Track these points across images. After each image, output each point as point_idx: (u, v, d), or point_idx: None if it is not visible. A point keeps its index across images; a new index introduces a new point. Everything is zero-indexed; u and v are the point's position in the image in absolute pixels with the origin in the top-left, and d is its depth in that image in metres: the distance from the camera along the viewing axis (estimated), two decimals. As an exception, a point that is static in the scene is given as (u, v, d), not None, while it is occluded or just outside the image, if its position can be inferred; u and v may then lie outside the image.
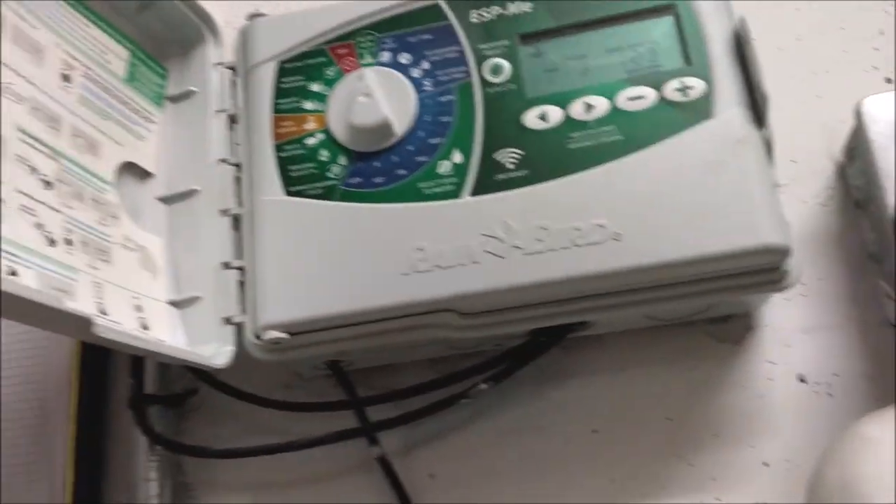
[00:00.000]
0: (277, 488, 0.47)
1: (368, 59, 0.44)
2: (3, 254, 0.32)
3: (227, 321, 0.42)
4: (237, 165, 0.45)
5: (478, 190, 0.41)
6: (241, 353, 0.42)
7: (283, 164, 0.43)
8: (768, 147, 0.39)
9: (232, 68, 0.47)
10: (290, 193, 0.43)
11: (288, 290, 0.41)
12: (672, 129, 0.39)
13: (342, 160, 0.43)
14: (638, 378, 0.45)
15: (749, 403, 0.44)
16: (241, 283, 0.43)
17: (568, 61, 0.42)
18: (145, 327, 0.40)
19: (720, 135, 0.39)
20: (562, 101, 0.41)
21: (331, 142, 0.43)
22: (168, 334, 0.42)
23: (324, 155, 0.43)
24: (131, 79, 0.45)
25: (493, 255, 0.39)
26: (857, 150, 0.44)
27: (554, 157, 0.40)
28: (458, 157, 0.41)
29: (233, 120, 0.47)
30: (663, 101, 0.40)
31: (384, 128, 0.42)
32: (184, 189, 0.45)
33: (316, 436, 0.45)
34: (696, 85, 0.40)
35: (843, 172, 0.47)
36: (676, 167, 0.39)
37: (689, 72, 0.40)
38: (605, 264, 0.38)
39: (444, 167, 0.41)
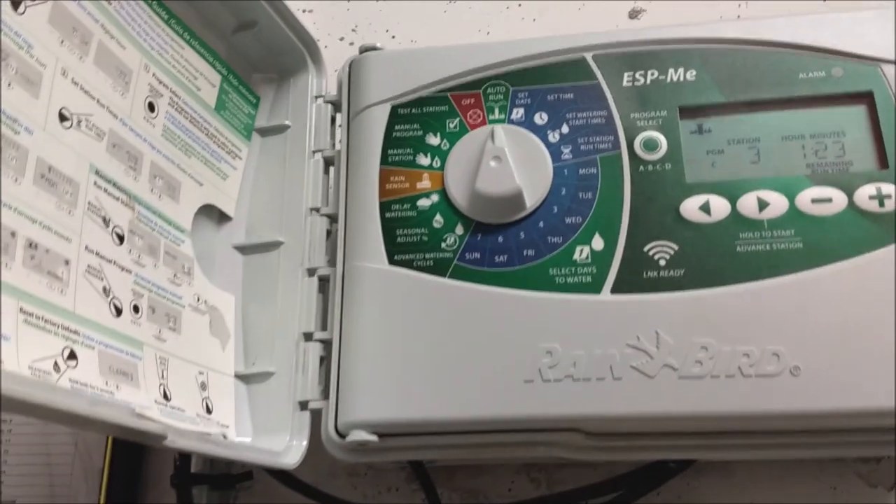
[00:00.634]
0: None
1: (498, 115, 0.38)
2: (64, 331, 0.26)
3: (303, 406, 0.36)
4: (331, 218, 0.39)
5: (621, 287, 0.34)
6: (312, 437, 0.36)
7: (389, 226, 0.37)
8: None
9: (334, 104, 0.41)
10: (393, 262, 0.36)
11: (383, 382, 0.34)
12: (864, 245, 0.33)
13: (459, 229, 0.36)
14: (769, 517, 0.39)
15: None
16: (324, 360, 0.37)
17: (737, 145, 0.36)
18: (209, 409, 0.34)
19: (927, 261, 0.32)
20: (730, 192, 0.35)
21: (447, 206, 0.37)
22: (232, 417, 0.35)
23: (438, 221, 0.37)
24: (221, 107, 0.39)
25: (640, 372, 0.32)
26: None
27: (718, 259, 0.34)
28: (598, 242, 0.35)
29: (329, 163, 0.41)
30: (853, 209, 0.33)
31: (515, 199, 0.36)
32: (266, 239, 0.39)
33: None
34: (895, 195, 0.33)
35: None
36: (869, 293, 0.32)
37: (885, 177, 0.34)
38: (779, 403, 0.31)
39: (582, 253, 0.35)
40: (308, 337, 0.37)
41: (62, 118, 0.29)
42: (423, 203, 0.37)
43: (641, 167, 0.36)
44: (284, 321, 0.37)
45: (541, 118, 0.38)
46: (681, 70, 0.37)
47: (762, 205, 0.34)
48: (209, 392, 0.35)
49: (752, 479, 0.39)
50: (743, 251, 0.34)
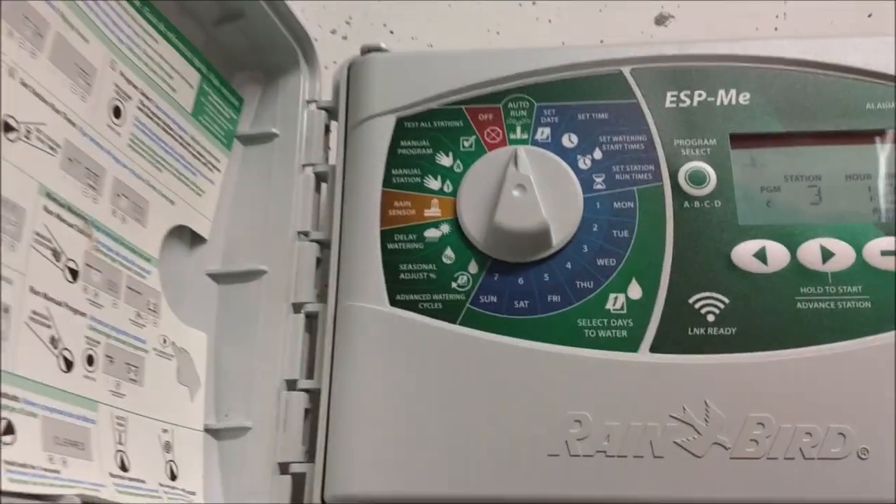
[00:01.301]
0: None
1: (520, 134, 0.33)
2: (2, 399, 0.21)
3: (284, 469, 0.31)
4: (322, 244, 0.34)
5: (663, 345, 0.29)
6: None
7: (391, 260, 0.32)
8: None
9: (329, 111, 0.36)
10: (395, 303, 0.31)
11: (380, 447, 0.29)
12: (946, 307, 0.29)
13: (473, 267, 0.31)
14: None
15: None
16: (309, 414, 0.32)
17: (795, 182, 0.31)
18: (173, 475, 0.29)
19: None
20: (788, 237, 0.30)
21: (460, 239, 0.32)
22: (200, 482, 0.30)
23: (448, 256, 0.32)
24: (199, 112, 0.33)
25: (685, 450, 0.28)
26: None
27: (776, 317, 0.29)
28: (636, 290, 0.30)
29: (322, 180, 0.35)
30: (932, 263, 0.29)
31: (540, 235, 0.31)
32: (246, 267, 0.33)
33: None
34: (983, 249, 0.29)
35: None
36: (951, 363, 0.28)
37: (968, 227, 0.30)
38: (844, 492, 0.27)
39: (616, 302, 0.30)
40: (291, 385, 0.32)
41: (7, 129, 0.23)
42: (432, 234, 0.32)
43: (687, 203, 0.31)
44: (264, 366, 0.32)
45: (570, 140, 0.33)
46: (732, 92, 0.32)
47: (826, 255, 0.30)
48: (174, 453, 0.29)
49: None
50: (805, 308, 0.29)
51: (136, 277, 0.29)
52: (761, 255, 0.30)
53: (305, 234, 0.34)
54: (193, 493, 0.29)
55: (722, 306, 0.30)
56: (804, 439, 0.27)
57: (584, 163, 0.32)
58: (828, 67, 0.32)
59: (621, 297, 0.30)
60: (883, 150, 0.31)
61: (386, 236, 0.32)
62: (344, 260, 0.32)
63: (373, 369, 0.30)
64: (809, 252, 0.30)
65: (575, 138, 0.33)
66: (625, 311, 0.30)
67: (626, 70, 0.33)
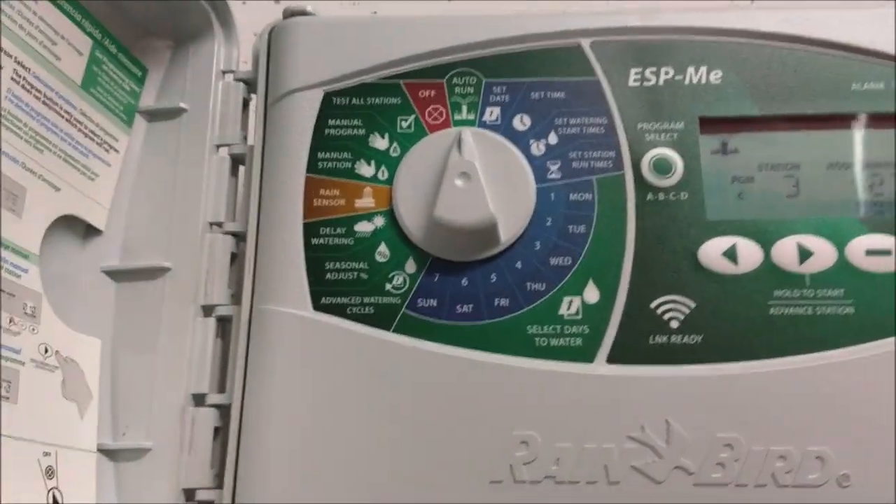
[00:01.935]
0: None
1: (466, 114, 0.29)
2: None
3: (189, 496, 0.27)
4: (238, 237, 0.30)
5: (621, 355, 0.26)
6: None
7: (315, 257, 0.28)
8: None
9: (248, 83, 0.32)
10: (319, 307, 0.27)
11: (299, 469, 0.25)
12: (934, 314, 0.26)
13: (410, 266, 0.27)
14: None
15: None
16: (219, 433, 0.28)
17: (771, 171, 0.28)
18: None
19: None
20: (762, 234, 0.27)
21: (396, 234, 0.28)
22: (92, 514, 0.26)
23: (382, 253, 0.28)
24: (90, 83, 0.28)
25: (644, 474, 0.25)
26: None
27: (747, 324, 0.26)
28: (592, 293, 0.27)
29: (239, 162, 0.31)
30: (919, 265, 0.26)
31: (486, 231, 0.27)
32: (148, 263, 0.29)
33: None
34: (975, 249, 0.26)
35: None
36: (939, 377, 0.25)
37: (958, 223, 0.27)
38: (823, 523, 0.24)
39: (571, 307, 0.27)
40: (199, 401, 0.28)
41: None
42: (364, 228, 0.28)
43: (650, 195, 0.28)
44: (168, 377, 0.28)
45: (522, 122, 0.29)
46: (703, 70, 0.29)
47: (804, 254, 0.27)
48: (59, 480, 0.25)
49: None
50: (779, 314, 0.26)
51: (9, 277, 0.24)
52: (731, 254, 0.27)
53: (218, 225, 0.29)
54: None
55: (687, 311, 0.26)
56: (777, 463, 0.24)
57: (538, 148, 0.28)
58: (809, 42, 0.29)
59: (576, 301, 0.27)
60: (870, 136, 0.28)
61: (310, 230, 0.28)
62: (261, 256, 0.28)
63: (292, 383, 0.26)
64: (785, 251, 0.27)
65: (528, 120, 0.29)
66: (580, 317, 0.27)
67: (585, 43, 0.29)
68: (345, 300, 0.27)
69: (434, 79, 0.29)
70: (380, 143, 0.29)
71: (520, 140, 0.28)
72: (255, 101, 0.30)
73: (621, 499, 0.24)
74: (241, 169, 0.31)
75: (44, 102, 0.26)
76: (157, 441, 0.27)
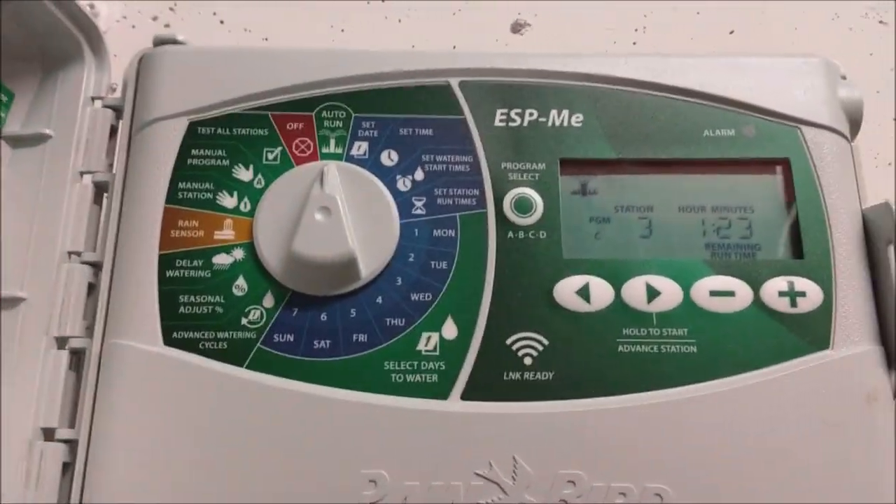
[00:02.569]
0: None
1: (334, 148, 0.29)
2: None
3: (32, 538, 0.26)
4: (96, 267, 0.29)
5: (475, 391, 0.26)
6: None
7: (169, 290, 0.27)
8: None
9: (116, 110, 0.31)
10: (171, 342, 0.26)
11: (143, 500, 0.25)
12: (771, 355, 0.27)
13: (268, 300, 0.27)
14: None
15: None
16: (68, 469, 0.27)
17: (626, 213, 0.29)
18: None
19: (841, 382, 0.26)
20: (614, 273, 0.28)
21: (255, 268, 0.28)
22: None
23: (240, 287, 0.27)
24: (-62, 104, 0.28)
25: (490, 513, 0.25)
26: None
27: (595, 360, 0.27)
28: (451, 329, 0.27)
29: (102, 190, 0.30)
30: (759, 307, 0.27)
31: (346, 265, 0.27)
32: (3, 293, 0.28)
33: None
34: (810, 292, 0.27)
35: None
36: (772, 417, 0.26)
37: (800, 270, 0.28)
38: (658, 558, 0.25)
39: (429, 343, 0.27)
40: (48, 435, 0.27)
41: None
42: (222, 260, 0.28)
43: (511, 233, 0.28)
44: (16, 410, 0.27)
45: (389, 158, 0.29)
46: (565, 113, 0.30)
47: (651, 293, 0.28)
48: None
49: None
50: (626, 352, 0.27)
51: None
52: (584, 293, 0.27)
53: (77, 254, 0.29)
54: None
55: (541, 348, 0.27)
56: (617, 500, 0.25)
57: (404, 184, 0.29)
58: (665, 89, 0.30)
59: (435, 337, 0.27)
60: (718, 181, 0.29)
61: (165, 261, 0.27)
62: (115, 288, 0.27)
63: (139, 420, 0.26)
64: (635, 290, 0.27)
65: (395, 156, 0.29)
66: (437, 353, 0.27)
67: (454, 82, 0.30)
68: (197, 335, 0.27)
69: (303, 111, 0.29)
70: (244, 174, 0.29)
71: (386, 175, 0.29)
72: (121, 129, 0.30)
73: (467, 536, 0.25)
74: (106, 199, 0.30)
75: None
76: (3, 474, 0.26)
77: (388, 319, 0.27)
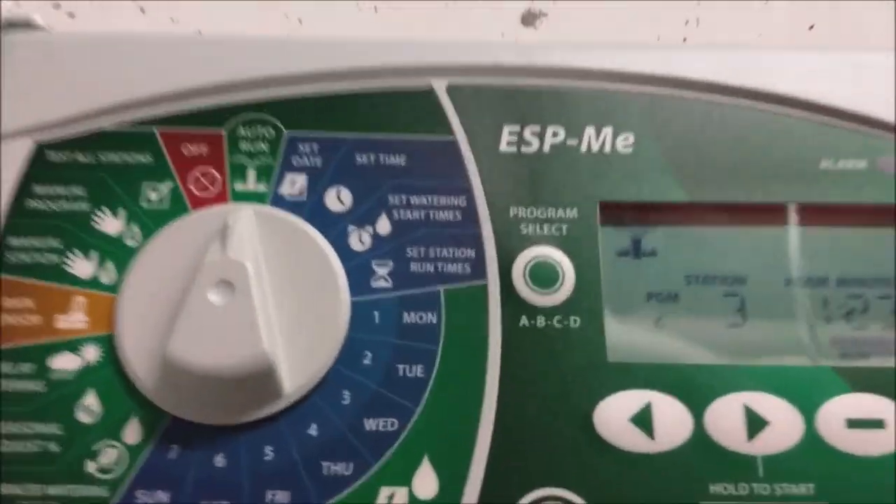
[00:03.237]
0: None
1: (254, 184, 0.19)
2: None
3: None
4: None
5: (466, 592, 0.16)
6: None
7: (-19, 412, 0.17)
8: None
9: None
10: (-23, 498, 0.16)
11: None
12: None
13: (132, 433, 0.17)
14: None
15: None
16: None
17: (706, 288, 0.19)
18: None
19: None
20: (693, 389, 0.17)
21: (115, 377, 0.17)
22: None
23: (89, 409, 0.17)
24: None
25: None
26: None
27: None
28: (427, 482, 0.17)
29: None
30: (924, 442, 0.17)
31: (258, 377, 0.17)
32: None
33: None
34: None
35: None
36: None
37: (977, 376, 0.18)
38: None
39: (391, 500, 0.17)
40: None
41: None
42: (64, 364, 0.17)
43: (525, 319, 0.18)
44: None
45: (339, 199, 0.19)
46: (607, 132, 0.20)
47: (753, 423, 0.17)
48: None
49: None
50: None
51: None
52: (644, 420, 0.17)
53: None
54: None
55: (573, 515, 0.17)
56: None
57: (360, 240, 0.19)
58: (762, 98, 0.20)
59: (401, 495, 0.17)
60: (846, 239, 0.19)
61: (-26, 366, 0.17)
62: None
63: None
64: (726, 416, 0.17)
65: (348, 196, 0.19)
66: (405, 521, 0.17)
67: (439, 86, 0.20)
68: (16, 490, 0.16)
69: (208, 127, 0.19)
70: (110, 224, 0.18)
71: (334, 226, 0.19)
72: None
73: None
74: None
75: None
76: None
77: (326, 465, 0.17)
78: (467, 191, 0.19)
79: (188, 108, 0.19)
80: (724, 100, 0.20)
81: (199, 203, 0.19)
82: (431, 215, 0.19)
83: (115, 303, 0.17)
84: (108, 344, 0.17)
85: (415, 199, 0.19)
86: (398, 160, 0.19)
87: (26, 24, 0.21)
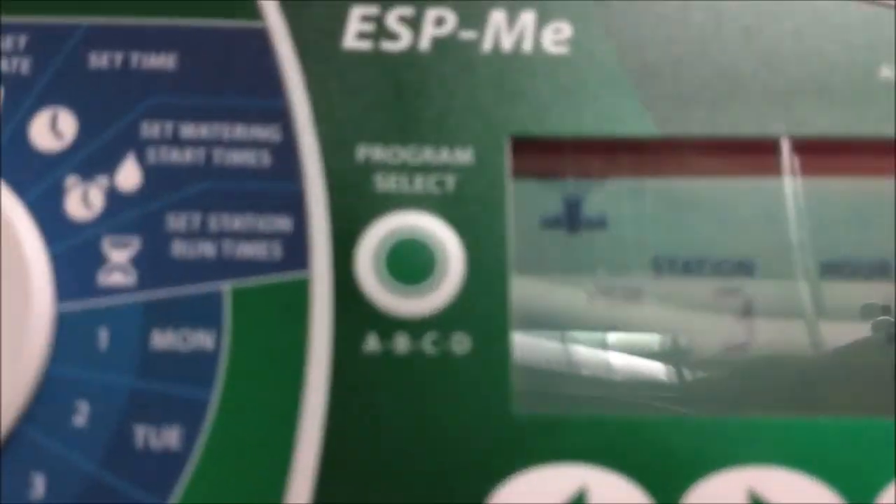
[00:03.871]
0: None
1: None
2: None
3: None
4: None
5: None
6: None
7: None
8: None
9: None
10: None
11: None
12: None
13: None
14: None
15: None
16: None
17: (687, 281, 0.12)
18: None
19: None
20: (662, 461, 0.10)
21: None
22: None
23: None
24: None
25: None
26: None
27: None
28: None
29: None
30: None
31: None
32: None
33: None
34: None
35: None
36: None
37: None
38: None
39: None
40: None
41: None
42: None
43: (374, 340, 0.10)
44: None
45: (55, 129, 0.11)
46: (526, 21, 0.12)
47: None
48: None
49: None
50: None
51: None
52: (578, 524, 0.10)
53: None
54: None
55: None
56: None
57: (86, 201, 0.11)
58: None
59: None
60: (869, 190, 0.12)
61: None
62: None
63: None
64: (720, 514, 0.10)
65: (71, 125, 0.11)
66: None
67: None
68: None
69: None
70: None
71: (40, 177, 0.11)
72: None
73: None
74: None
75: None
76: None
77: None
78: (283, 116, 0.11)
79: None
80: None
81: None
82: (217, 158, 0.11)
83: None
84: None
85: (188, 130, 0.11)
86: (162, 61, 0.11)
87: None
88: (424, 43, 0.12)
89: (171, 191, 0.11)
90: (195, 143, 0.11)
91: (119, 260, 0.10)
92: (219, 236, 0.11)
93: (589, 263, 0.12)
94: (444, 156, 0.11)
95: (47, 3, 0.11)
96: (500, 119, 0.11)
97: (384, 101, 0.11)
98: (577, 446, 0.10)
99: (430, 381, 0.10)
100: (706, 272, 0.11)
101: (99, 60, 0.11)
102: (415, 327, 0.10)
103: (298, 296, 0.10)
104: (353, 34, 0.12)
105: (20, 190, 0.11)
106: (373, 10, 0.12)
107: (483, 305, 0.11)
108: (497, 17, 0.12)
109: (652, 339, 0.11)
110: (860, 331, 0.11)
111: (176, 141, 0.11)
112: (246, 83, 0.11)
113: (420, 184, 0.11)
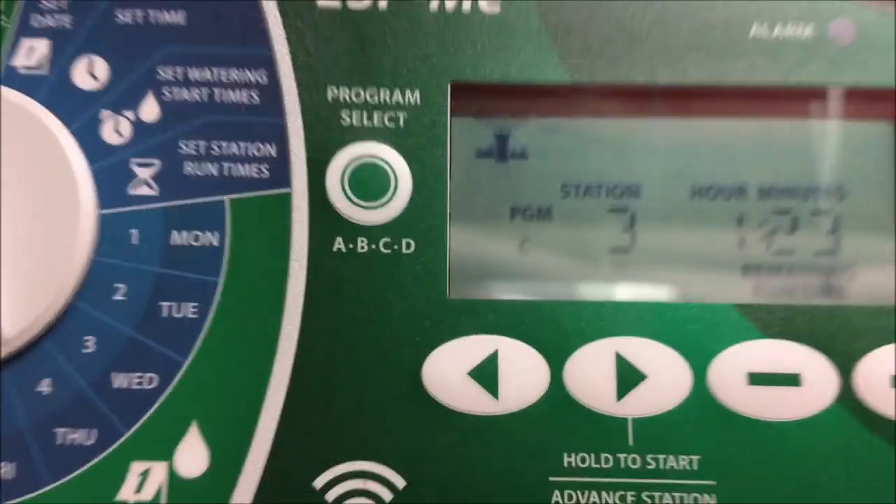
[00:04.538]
0: None
1: (-35, 50, 0.14)
2: None
3: None
4: None
5: None
6: None
7: None
8: None
9: None
10: None
11: None
12: (869, 512, 0.13)
13: None
14: None
15: None
16: None
17: (586, 201, 0.14)
18: None
19: None
20: (553, 334, 0.13)
21: None
22: None
23: None
24: None
25: None
26: None
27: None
28: (195, 455, 0.13)
29: None
30: (851, 408, 0.13)
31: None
32: None
33: None
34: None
35: None
36: None
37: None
38: None
39: (142, 488, 0.13)
40: None
41: None
42: None
43: (340, 241, 0.14)
44: None
45: (92, 73, 0.14)
46: (469, -18, 0.15)
47: (626, 376, 0.13)
48: None
49: None
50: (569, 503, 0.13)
51: None
52: (487, 374, 0.13)
53: None
54: None
55: (391, 497, 0.13)
56: None
57: (118, 130, 0.14)
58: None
59: (159, 473, 0.13)
60: (774, 134, 0.15)
61: None
62: None
63: None
64: (592, 368, 0.13)
65: (104, 70, 0.14)
66: (163, 504, 0.13)
67: None
68: None
69: None
70: None
71: (81, 111, 0.14)
72: None
73: None
74: None
75: None
76: None
77: (61, 433, 0.13)
78: (268, 63, 0.14)
79: None
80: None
81: None
82: (217, 96, 0.14)
83: None
84: None
85: (194, 73, 0.14)
86: (174, 17, 0.14)
87: None
88: (383, 2, 0.14)
89: (183, 122, 0.14)
90: (200, 84, 0.14)
91: (144, 176, 0.14)
92: (220, 159, 0.14)
93: (513, 187, 0.15)
94: (397, 96, 0.14)
95: (80, -31, 0.14)
96: (442, 67, 0.14)
97: (350, 50, 0.14)
98: (494, 322, 0.13)
99: (383, 273, 0.13)
100: (602, 194, 0.14)
101: (124, 17, 0.14)
102: (372, 232, 0.14)
103: (282, 207, 0.14)
104: (326, -5, 0.14)
105: (66, 121, 0.14)
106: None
107: (426, 217, 0.14)
108: (444, -19, 0.14)
109: (558, 243, 0.14)
110: (718, 238, 0.14)
111: (186, 82, 0.14)
112: (240, 36, 0.14)
113: (378, 119, 0.14)
